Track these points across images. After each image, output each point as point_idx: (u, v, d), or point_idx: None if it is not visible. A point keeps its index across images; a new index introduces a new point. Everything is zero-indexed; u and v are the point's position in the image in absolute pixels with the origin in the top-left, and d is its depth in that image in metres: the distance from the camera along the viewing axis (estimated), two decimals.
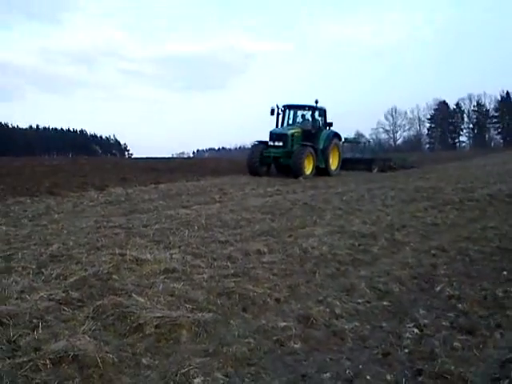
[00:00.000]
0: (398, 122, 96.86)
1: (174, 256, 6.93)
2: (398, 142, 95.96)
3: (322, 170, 24.69)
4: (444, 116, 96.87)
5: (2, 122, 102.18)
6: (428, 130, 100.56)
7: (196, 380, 3.55)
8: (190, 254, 7.08)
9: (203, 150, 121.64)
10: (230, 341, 4.23)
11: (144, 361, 3.89)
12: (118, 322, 4.54)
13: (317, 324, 4.64)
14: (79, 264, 6.48)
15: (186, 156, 75.06)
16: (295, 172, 22.48)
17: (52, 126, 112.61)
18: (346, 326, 4.63)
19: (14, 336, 4.16)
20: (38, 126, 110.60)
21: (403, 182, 19.70)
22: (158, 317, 4.51)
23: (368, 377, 3.70)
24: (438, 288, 5.91)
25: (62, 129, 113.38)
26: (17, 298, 5.06)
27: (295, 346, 4.21)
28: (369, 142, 41.77)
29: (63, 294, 5.17)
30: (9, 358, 3.77)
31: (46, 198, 14.05)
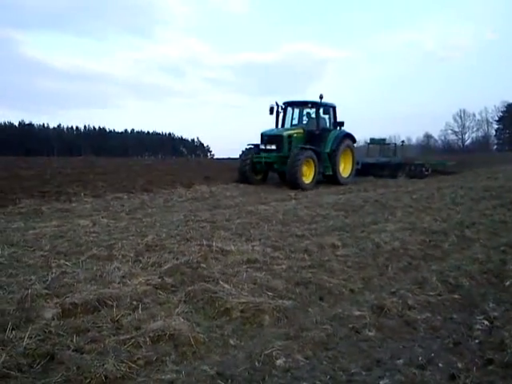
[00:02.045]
0: (467, 124, 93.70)
1: (255, 248, 6.99)
2: (467, 142, 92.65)
3: (329, 178, 19.62)
4: None
5: (101, 126, 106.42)
6: (496, 131, 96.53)
7: (278, 361, 3.59)
8: (269, 247, 7.13)
9: None
10: (309, 326, 4.25)
11: (231, 341, 3.97)
12: (208, 305, 4.66)
13: (390, 314, 4.59)
14: (171, 253, 6.65)
15: None
16: (291, 181, 17.42)
17: (144, 129, 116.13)
18: (418, 317, 4.55)
19: (117, 316, 4.34)
20: (132, 129, 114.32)
21: (472, 181, 19.10)
22: (243, 302, 4.59)
23: (440, 364, 3.63)
24: (508, 283, 5.69)
25: (153, 132, 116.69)
26: (119, 283, 5.26)
27: (369, 333, 4.18)
28: (402, 142, 34.35)
29: (159, 280, 5.33)
30: (113, 335, 3.95)
31: (140, 194, 14.50)
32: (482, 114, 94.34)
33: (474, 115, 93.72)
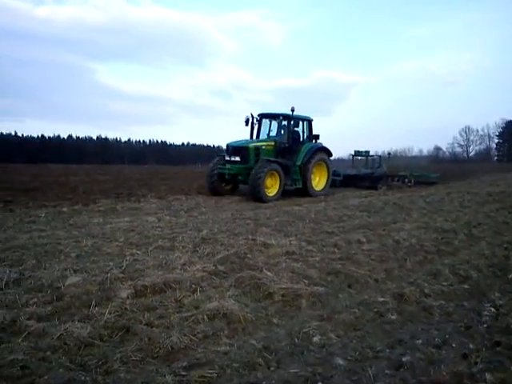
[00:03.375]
0: (471, 138, 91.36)
1: (292, 242, 6.94)
2: (471, 154, 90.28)
3: (300, 191, 16.09)
4: (510, 133, 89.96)
5: (162, 140, 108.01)
6: (496, 145, 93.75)
7: (315, 338, 3.55)
8: (304, 241, 7.06)
9: None
10: (340, 310, 4.19)
11: (274, 320, 3.96)
12: (254, 290, 4.64)
13: (409, 300, 4.48)
14: (223, 245, 6.66)
15: None
16: (253, 193, 14.11)
17: (198, 142, 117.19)
18: (434, 303, 4.43)
19: (179, 297, 4.38)
20: (188, 143, 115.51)
21: (477, 187, 18.52)
22: (283, 288, 4.56)
23: (454, 345, 3.52)
24: (511, 275, 5.49)
25: (205, 145, 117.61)
26: (180, 269, 5.30)
27: (392, 317, 4.10)
28: (389, 154, 30.37)
29: (213, 267, 5.35)
30: (177, 313, 3.99)
31: (195, 196, 14.57)
32: (484, 129, 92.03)
33: (477, 131, 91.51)
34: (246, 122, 16.37)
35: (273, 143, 15.58)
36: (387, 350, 3.41)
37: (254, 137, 16.45)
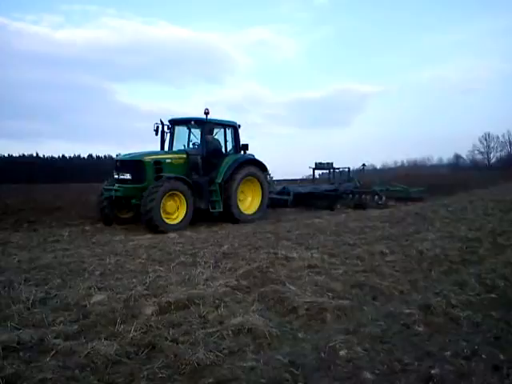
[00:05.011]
0: (492, 145, 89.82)
1: (314, 255, 6.90)
2: (492, 161, 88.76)
3: (222, 215, 12.43)
4: None
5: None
6: None
7: (341, 352, 3.51)
8: (326, 254, 7.02)
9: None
10: (366, 323, 4.14)
11: (299, 335, 3.92)
12: (277, 304, 4.62)
13: (436, 312, 4.40)
14: (244, 260, 6.67)
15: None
16: (146, 221, 10.53)
17: None
18: (461, 314, 4.34)
19: (203, 312, 4.38)
20: None
21: (500, 195, 18.21)
22: (308, 302, 4.53)
23: (483, 356, 3.44)
24: None
25: None
26: (203, 285, 5.31)
27: (419, 328, 4.03)
28: (363, 166, 23.32)
29: (235, 282, 5.35)
30: (202, 329, 3.98)
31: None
32: (505, 136, 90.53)
33: (498, 137, 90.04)
34: (156, 131, 12.99)
35: (184, 156, 12.25)
36: (415, 363, 3.34)
37: (166, 149, 13.10)
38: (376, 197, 16.99)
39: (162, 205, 10.64)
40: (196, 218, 11.75)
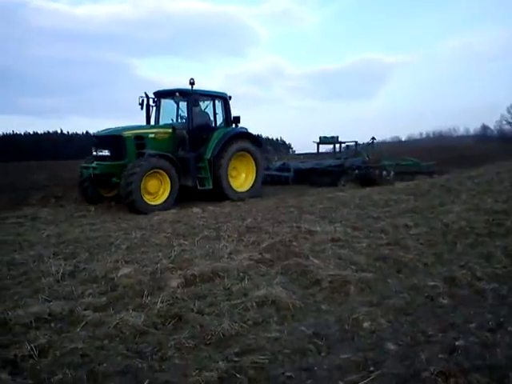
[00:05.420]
0: None
1: (337, 229, 6.88)
2: None
3: (212, 193, 11.89)
4: None
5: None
6: None
7: (365, 324, 3.53)
8: (349, 227, 6.98)
9: None
10: (389, 295, 4.14)
11: (323, 307, 3.96)
12: (301, 277, 4.65)
13: (461, 284, 4.36)
14: (267, 234, 6.69)
15: None
16: (125, 201, 10.11)
17: None
18: (487, 287, 4.29)
19: (227, 285, 4.45)
20: None
21: None
22: (331, 274, 4.54)
23: (509, 328, 3.40)
24: None
25: None
26: (227, 258, 5.37)
27: (443, 301, 4.01)
28: (373, 139, 19.09)
29: (259, 256, 5.38)
30: (226, 300, 4.05)
31: None
32: None
33: None
34: (141, 105, 12.25)
35: (170, 130, 11.61)
36: (439, 335, 3.34)
37: (153, 123, 12.46)
38: (384, 172, 15.67)
39: (143, 185, 10.09)
40: (184, 197, 11.40)
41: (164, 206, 10.30)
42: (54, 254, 5.81)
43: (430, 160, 19.48)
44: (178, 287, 4.38)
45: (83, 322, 3.60)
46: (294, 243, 5.98)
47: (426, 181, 14.12)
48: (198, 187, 11.48)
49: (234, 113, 12.82)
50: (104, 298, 4.16)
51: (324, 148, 20.60)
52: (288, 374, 2.84)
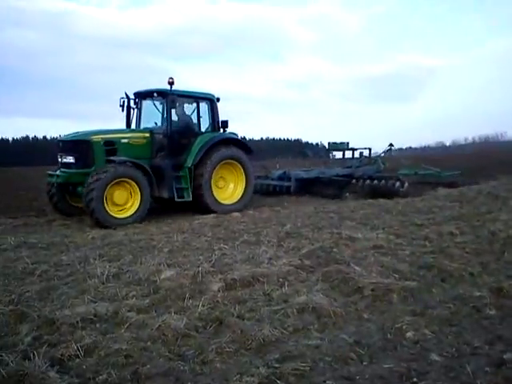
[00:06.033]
0: None
1: (379, 235, 6.79)
2: None
3: (192, 205, 10.50)
4: None
5: (243, 136, 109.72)
6: None
7: (408, 333, 3.47)
8: (392, 234, 6.88)
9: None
10: (433, 305, 4.06)
11: (364, 315, 3.91)
12: (342, 284, 4.61)
13: (509, 295, 4.21)
14: (307, 239, 6.68)
15: None
16: (89, 213, 8.96)
17: (276, 136, 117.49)
18: None
19: (267, 290, 4.47)
20: (267, 137, 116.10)
21: None
22: (373, 282, 4.48)
23: None
24: None
25: (283, 138, 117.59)
26: (267, 263, 5.38)
27: (490, 312, 3.88)
28: (391, 146, 16.62)
29: (299, 262, 5.37)
30: (267, 306, 4.07)
31: None
32: None
33: None
34: (122, 107, 11.05)
35: (147, 135, 10.43)
36: (486, 347, 3.25)
37: (134, 126, 11.20)
38: (398, 183, 13.47)
39: (108, 195, 9.06)
40: (161, 210, 10.81)
41: (132, 220, 9.20)
42: (99, 256, 5.98)
43: (468, 168, 18.38)
44: (219, 291, 4.43)
45: (127, 324, 3.70)
46: (335, 250, 5.94)
47: (471, 188, 13.69)
48: (176, 199, 10.11)
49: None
50: (147, 300, 4.25)
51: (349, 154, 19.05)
52: (329, 382, 2.82)
